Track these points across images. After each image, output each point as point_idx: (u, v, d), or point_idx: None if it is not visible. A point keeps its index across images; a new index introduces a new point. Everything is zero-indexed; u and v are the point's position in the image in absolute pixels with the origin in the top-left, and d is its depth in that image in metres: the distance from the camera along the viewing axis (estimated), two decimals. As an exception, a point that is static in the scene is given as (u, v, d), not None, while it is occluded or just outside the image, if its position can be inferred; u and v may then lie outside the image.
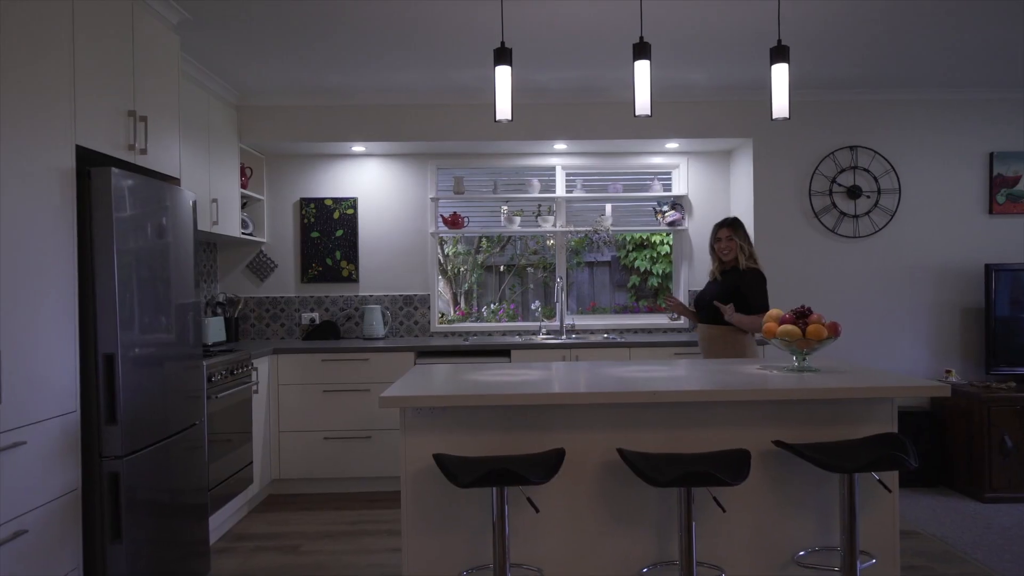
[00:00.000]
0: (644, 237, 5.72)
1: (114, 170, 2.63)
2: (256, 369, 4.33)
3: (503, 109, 2.96)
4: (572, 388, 2.55)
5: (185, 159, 3.84)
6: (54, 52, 2.44)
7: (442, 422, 2.55)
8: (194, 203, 3.34)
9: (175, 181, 3.33)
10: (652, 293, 5.72)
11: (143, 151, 2.99)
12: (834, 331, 2.82)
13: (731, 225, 3.79)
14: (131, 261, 2.74)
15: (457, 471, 2.29)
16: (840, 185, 4.99)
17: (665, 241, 5.71)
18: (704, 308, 3.81)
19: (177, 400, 3.13)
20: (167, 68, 3.27)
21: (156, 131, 3.13)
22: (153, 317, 2.91)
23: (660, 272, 5.71)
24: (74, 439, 2.51)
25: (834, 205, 4.99)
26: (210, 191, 4.32)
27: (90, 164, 2.65)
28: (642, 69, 2.91)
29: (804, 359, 2.93)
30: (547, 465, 2.33)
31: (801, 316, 2.91)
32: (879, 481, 2.52)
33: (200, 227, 4.14)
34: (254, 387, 4.28)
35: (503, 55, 2.91)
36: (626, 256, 5.82)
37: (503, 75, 2.93)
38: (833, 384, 2.55)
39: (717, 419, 2.59)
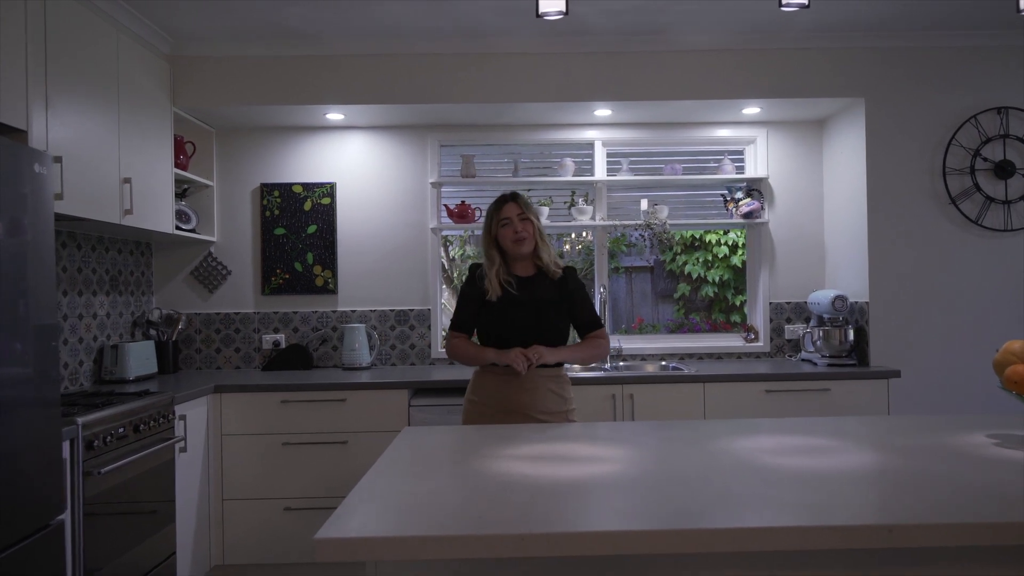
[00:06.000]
0: (696, 236, 4.84)
1: None
2: (183, 418, 3.10)
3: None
4: (687, 494, 1.31)
5: (61, 114, 2.60)
6: None
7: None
8: (45, 171, 2.10)
9: (18, 135, 2.10)
10: (706, 305, 4.88)
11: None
12: None
13: (520, 201, 2.55)
14: None
15: None
16: (986, 160, 3.76)
17: (723, 241, 4.75)
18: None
19: (13, 488, 1.90)
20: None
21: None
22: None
23: (716, 279, 4.78)
24: None
25: (977, 187, 3.76)
26: (120, 168, 3.10)
27: None
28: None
29: (1091, 434, 1.67)
30: None
31: (1084, 357, 1.64)
32: None
33: (100, 217, 2.94)
34: (179, 444, 3.05)
35: None
36: (672, 260, 4.92)
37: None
38: None
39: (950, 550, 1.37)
